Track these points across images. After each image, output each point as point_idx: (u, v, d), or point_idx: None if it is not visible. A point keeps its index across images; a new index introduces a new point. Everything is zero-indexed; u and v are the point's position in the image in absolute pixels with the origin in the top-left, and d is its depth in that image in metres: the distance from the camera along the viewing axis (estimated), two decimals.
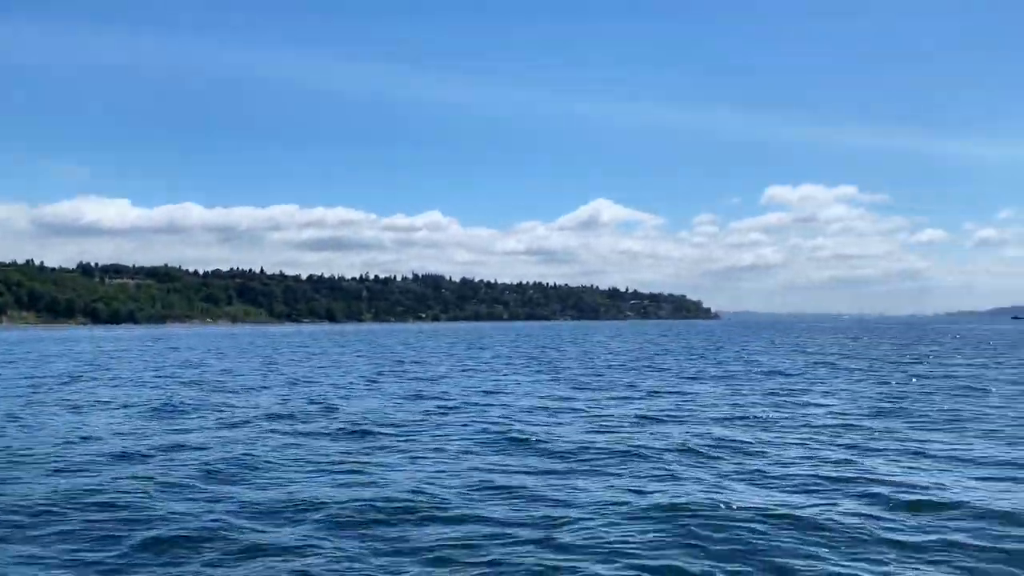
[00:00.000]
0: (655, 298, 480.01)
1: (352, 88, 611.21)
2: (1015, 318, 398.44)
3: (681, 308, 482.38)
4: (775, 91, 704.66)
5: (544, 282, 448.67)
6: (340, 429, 22.63)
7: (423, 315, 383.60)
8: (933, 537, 12.03)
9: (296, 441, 20.39)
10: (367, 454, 18.53)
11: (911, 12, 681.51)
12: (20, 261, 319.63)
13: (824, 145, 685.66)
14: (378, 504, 13.71)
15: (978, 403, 28.71)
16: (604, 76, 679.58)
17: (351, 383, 38.76)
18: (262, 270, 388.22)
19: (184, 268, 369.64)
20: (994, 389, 33.28)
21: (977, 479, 15.95)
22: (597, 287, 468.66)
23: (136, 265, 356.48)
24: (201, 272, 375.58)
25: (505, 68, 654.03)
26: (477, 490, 14.81)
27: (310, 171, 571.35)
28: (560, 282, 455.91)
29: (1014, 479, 15.96)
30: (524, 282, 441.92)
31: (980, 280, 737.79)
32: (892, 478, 15.87)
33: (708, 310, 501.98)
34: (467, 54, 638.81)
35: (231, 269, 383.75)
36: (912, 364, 52.52)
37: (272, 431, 22.30)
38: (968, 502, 13.79)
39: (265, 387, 36.77)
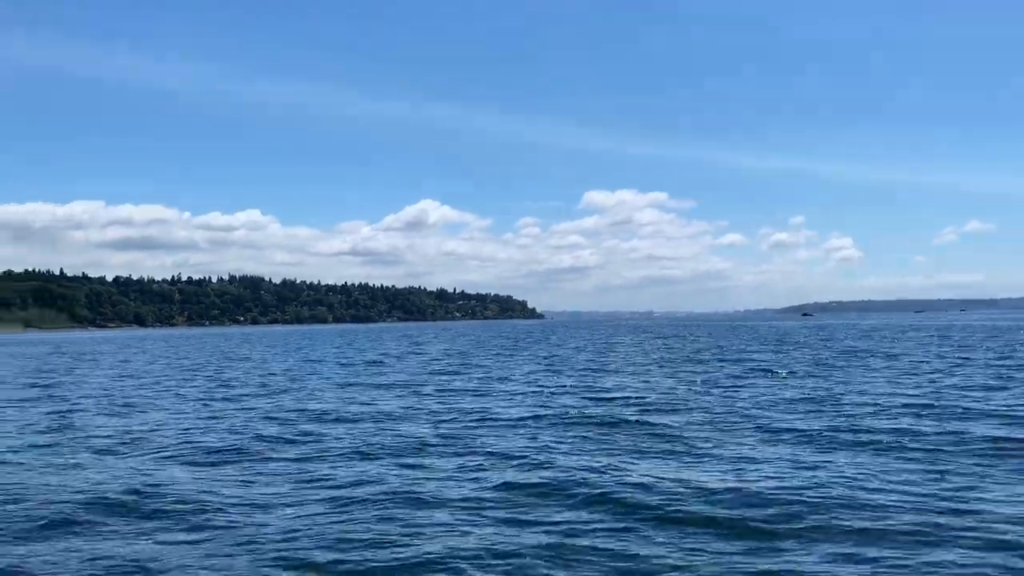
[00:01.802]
0: (482, 299, 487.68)
1: (167, 80, 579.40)
2: (804, 314, 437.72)
3: (507, 308, 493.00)
4: (593, 102, 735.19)
5: (370, 283, 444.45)
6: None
7: (241, 318, 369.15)
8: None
9: None
10: None
11: (716, 32, 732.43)
12: None
13: (637, 154, 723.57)
14: None
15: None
16: (432, 79, 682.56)
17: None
18: (62, 271, 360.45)
19: None
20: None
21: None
22: (424, 288, 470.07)
23: None
24: None
25: (329, 66, 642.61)
26: None
27: (116, 165, 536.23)
28: (386, 283, 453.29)
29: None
30: (349, 283, 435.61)
31: (774, 280, 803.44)
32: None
33: (533, 310, 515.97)
34: (289, 50, 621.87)
35: (25, 271, 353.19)
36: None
37: None
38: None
39: None
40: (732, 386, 33.79)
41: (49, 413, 28.99)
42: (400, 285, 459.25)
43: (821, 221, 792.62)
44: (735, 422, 23.13)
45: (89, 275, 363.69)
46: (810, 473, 16.01)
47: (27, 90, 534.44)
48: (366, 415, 26.79)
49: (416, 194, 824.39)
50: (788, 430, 21.53)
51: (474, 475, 16.53)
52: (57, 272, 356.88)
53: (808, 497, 14.01)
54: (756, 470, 16.41)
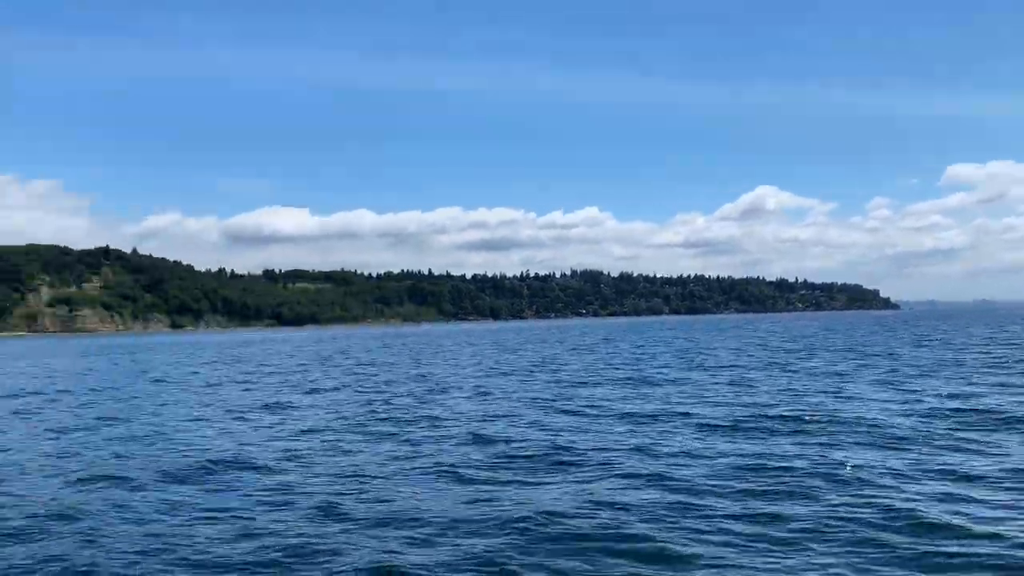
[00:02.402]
0: (827, 288, 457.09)
1: (506, 90, 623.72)
2: None
3: (856, 298, 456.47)
4: (953, 63, 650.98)
5: (705, 274, 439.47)
6: None
7: (583, 311, 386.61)
8: None
9: None
10: None
11: None
12: (213, 270, 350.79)
13: (1016, 119, 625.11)
14: None
15: None
16: (764, 59, 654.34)
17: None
18: (430, 271, 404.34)
19: (358, 272, 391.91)
20: None
21: None
22: (763, 278, 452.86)
23: (315, 270, 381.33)
24: (374, 275, 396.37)
25: (656, 61, 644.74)
26: None
27: (471, 174, 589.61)
28: (722, 274, 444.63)
29: None
30: (685, 275, 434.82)
31: None
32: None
33: (886, 300, 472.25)
34: (617, 50, 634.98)
35: (401, 271, 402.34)
36: None
37: None
38: None
39: None
40: None
41: (419, 396, 33.07)
42: (737, 276, 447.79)
43: None
44: None
45: (452, 274, 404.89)
46: None
47: (392, 110, 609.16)
48: (697, 413, 26.73)
49: (753, 181, 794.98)
50: None
51: (821, 482, 15.83)
52: (426, 272, 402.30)
53: None
54: None
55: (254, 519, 14.07)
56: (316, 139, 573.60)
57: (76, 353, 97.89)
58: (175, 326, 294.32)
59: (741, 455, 18.52)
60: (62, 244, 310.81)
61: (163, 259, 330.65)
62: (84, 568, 11.53)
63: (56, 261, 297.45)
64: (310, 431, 24.31)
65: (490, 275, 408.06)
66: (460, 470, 17.76)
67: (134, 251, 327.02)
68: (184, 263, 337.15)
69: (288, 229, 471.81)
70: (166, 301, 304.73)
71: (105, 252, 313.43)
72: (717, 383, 36.47)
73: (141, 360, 75.97)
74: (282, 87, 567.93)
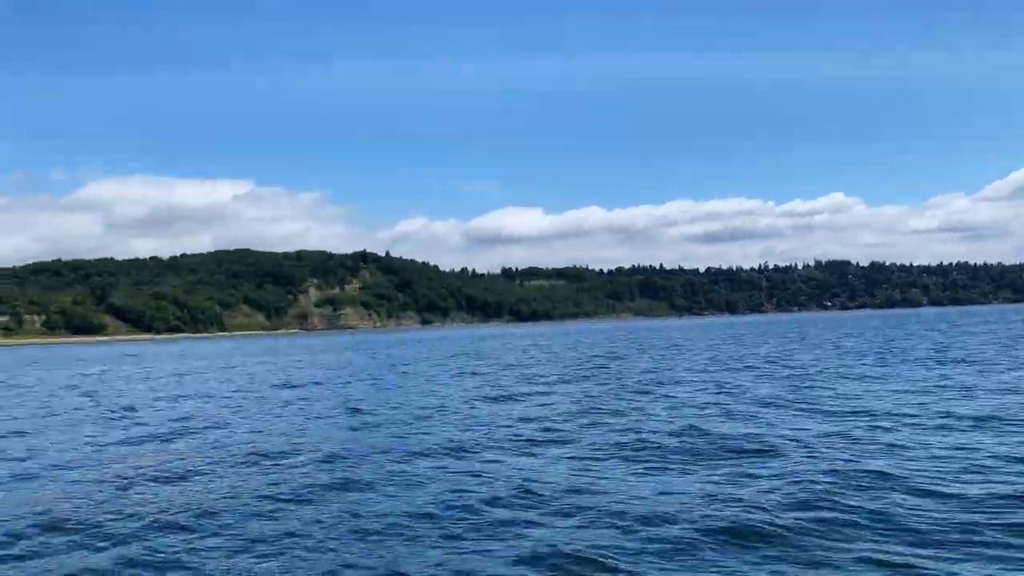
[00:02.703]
0: None
1: (725, 82, 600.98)
2: None
3: None
4: None
5: (969, 261, 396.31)
6: None
7: (828, 303, 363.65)
8: None
9: None
10: None
11: None
12: (456, 270, 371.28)
13: None
14: None
15: None
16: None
17: None
18: (661, 266, 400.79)
19: (590, 268, 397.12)
20: None
21: None
22: None
23: (549, 267, 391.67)
24: (605, 271, 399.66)
25: (900, 29, 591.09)
26: None
27: (701, 166, 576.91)
28: (989, 261, 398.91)
29: None
30: (946, 263, 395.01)
31: None
32: None
33: None
34: (852, 24, 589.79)
35: (632, 266, 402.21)
36: None
37: None
38: None
39: None
40: None
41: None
42: (1007, 262, 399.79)
43: None
44: None
45: (684, 267, 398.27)
46: None
47: (618, 108, 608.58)
48: (957, 412, 24.35)
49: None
50: None
51: None
52: (657, 266, 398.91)
53: None
54: None
55: (475, 496, 15.03)
56: (541, 139, 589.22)
57: (339, 348, 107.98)
58: (424, 322, 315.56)
59: (1008, 459, 16.68)
60: (326, 250, 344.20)
61: (412, 261, 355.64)
62: (352, 535, 12.98)
63: (322, 265, 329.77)
64: (534, 419, 25.20)
65: (724, 268, 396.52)
66: (677, 463, 17.60)
67: (387, 254, 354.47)
68: (431, 264, 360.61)
69: (522, 229, 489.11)
70: (416, 300, 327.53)
71: (363, 256, 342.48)
72: (982, 380, 32.94)
73: (394, 354, 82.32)
74: (509, 88, 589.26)
